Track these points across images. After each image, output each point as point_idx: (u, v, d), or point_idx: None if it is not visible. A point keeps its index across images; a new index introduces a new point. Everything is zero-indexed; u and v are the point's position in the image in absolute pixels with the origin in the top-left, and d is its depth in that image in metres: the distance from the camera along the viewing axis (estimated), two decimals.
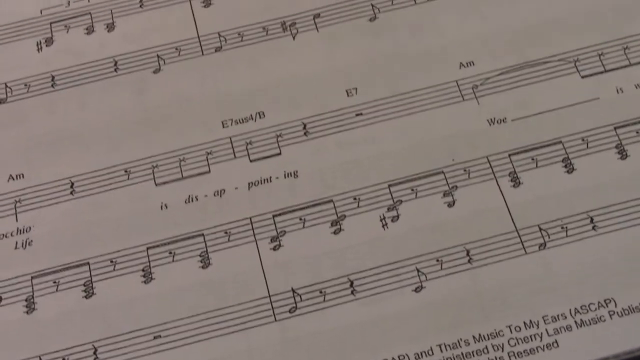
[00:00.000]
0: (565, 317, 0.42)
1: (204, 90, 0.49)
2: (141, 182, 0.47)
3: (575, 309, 0.42)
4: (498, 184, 0.45)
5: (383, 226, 0.45)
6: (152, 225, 0.45)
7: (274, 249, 0.45)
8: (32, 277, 0.45)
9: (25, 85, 0.50)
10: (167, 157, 0.47)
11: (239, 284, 0.44)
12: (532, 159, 0.46)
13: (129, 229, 0.45)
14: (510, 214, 0.45)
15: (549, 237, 0.44)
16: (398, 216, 0.45)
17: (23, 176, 0.47)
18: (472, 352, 0.41)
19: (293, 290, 0.43)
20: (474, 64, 0.49)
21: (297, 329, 0.42)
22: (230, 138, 0.48)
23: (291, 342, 0.42)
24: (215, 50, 0.51)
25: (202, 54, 0.51)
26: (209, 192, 0.46)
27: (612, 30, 0.49)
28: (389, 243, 0.44)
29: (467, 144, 0.47)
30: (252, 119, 0.48)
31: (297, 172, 0.47)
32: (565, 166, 0.46)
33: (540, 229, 0.44)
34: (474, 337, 0.42)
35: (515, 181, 0.45)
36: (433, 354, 0.41)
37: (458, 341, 0.42)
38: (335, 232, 0.45)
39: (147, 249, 0.45)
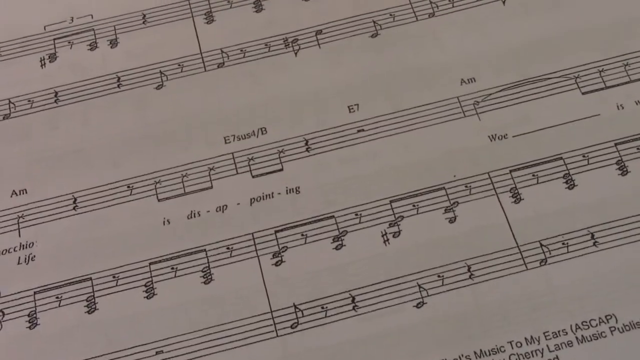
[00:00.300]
0: (566, 333, 0.42)
1: (206, 106, 0.50)
2: (144, 198, 0.47)
3: (576, 324, 0.42)
4: (499, 200, 0.45)
5: (384, 242, 0.45)
6: (155, 241, 0.46)
7: (276, 264, 0.45)
8: (34, 292, 0.45)
9: (29, 100, 0.51)
10: (170, 172, 0.48)
11: (241, 300, 0.44)
12: (533, 175, 0.46)
13: (132, 244, 0.46)
14: (511, 229, 0.45)
15: (549, 253, 0.44)
16: (399, 232, 0.45)
17: (26, 191, 0.48)
18: None
19: (295, 306, 0.44)
20: (475, 80, 0.49)
21: (298, 345, 0.43)
22: (233, 154, 0.48)
23: (293, 357, 0.42)
24: (218, 67, 0.51)
25: (205, 70, 0.51)
26: (211, 208, 0.46)
27: (612, 47, 0.50)
28: (391, 259, 0.44)
29: (468, 160, 0.47)
30: (254, 134, 0.49)
31: (299, 187, 0.47)
32: (566, 182, 0.46)
33: (541, 245, 0.44)
34: (475, 352, 0.42)
35: (516, 197, 0.45)
36: None
37: (459, 357, 0.42)
38: (336, 248, 0.45)
39: (150, 264, 0.45)
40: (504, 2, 0.52)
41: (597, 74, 0.49)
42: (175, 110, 0.50)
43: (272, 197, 0.47)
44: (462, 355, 0.42)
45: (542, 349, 0.42)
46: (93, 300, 0.44)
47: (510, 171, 0.46)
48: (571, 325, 0.42)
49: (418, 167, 0.47)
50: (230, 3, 0.53)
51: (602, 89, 0.49)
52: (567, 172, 0.46)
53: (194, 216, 0.46)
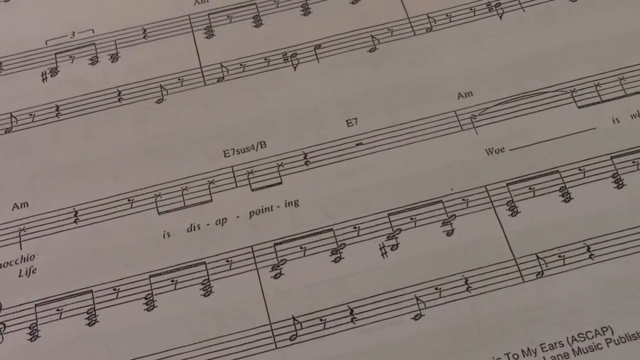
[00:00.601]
0: (563, 345, 0.42)
1: (206, 120, 0.50)
2: (144, 211, 0.47)
3: (573, 336, 0.42)
4: (496, 213, 0.46)
5: (383, 255, 0.45)
6: (155, 254, 0.46)
7: (275, 277, 0.45)
8: (35, 305, 0.45)
9: (30, 114, 0.51)
10: (170, 186, 0.48)
11: (240, 312, 0.44)
12: (530, 188, 0.46)
13: (132, 257, 0.46)
14: (508, 242, 0.45)
15: (546, 266, 0.44)
16: (397, 245, 0.45)
17: (27, 205, 0.48)
18: None
19: (294, 318, 0.44)
20: (472, 94, 0.50)
21: (297, 357, 0.43)
22: (232, 167, 0.48)
23: None
24: (218, 81, 0.51)
25: (205, 84, 0.51)
26: (211, 221, 0.47)
27: (608, 62, 0.50)
28: (389, 271, 0.45)
29: (465, 173, 0.47)
30: (254, 148, 0.49)
31: (297, 201, 0.47)
32: (563, 195, 0.46)
33: (538, 258, 0.44)
34: None
35: (513, 210, 0.46)
36: None
37: None
38: (335, 261, 0.45)
39: (150, 277, 0.45)
40: (500, 17, 0.52)
41: (593, 88, 0.49)
42: (175, 124, 0.50)
43: (272, 210, 0.47)
44: None
45: None
46: (94, 313, 0.44)
47: (507, 184, 0.47)
48: (567, 337, 0.42)
49: (416, 181, 0.47)
50: (230, 18, 0.54)
51: (598, 102, 0.49)
52: (563, 185, 0.46)
53: (194, 229, 0.47)
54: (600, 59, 0.50)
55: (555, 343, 0.42)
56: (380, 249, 0.45)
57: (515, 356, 0.42)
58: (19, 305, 0.45)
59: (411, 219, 0.46)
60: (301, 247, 0.46)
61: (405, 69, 0.51)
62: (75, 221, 0.47)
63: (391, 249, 0.45)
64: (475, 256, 0.45)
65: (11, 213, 0.48)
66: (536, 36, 0.51)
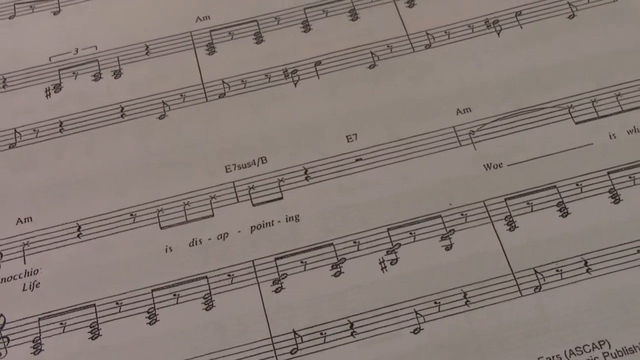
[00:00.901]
0: (560, 359, 0.42)
1: (208, 135, 0.50)
2: (146, 226, 0.48)
3: (570, 350, 0.43)
4: (494, 228, 0.46)
5: (382, 269, 0.45)
6: (157, 268, 0.46)
7: (276, 291, 0.45)
8: (39, 319, 0.45)
9: (34, 130, 0.51)
10: (172, 201, 0.48)
11: (242, 326, 0.44)
12: (528, 203, 0.47)
13: (135, 271, 0.46)
14: (506, 257, 0.45)
15: (544, 280, 0.44)
16: (397, 259, 0.46)
17: (31, 219, 0.48)
18: None
19: (294, 332, 0.44)
20: (470, 110, 0.50)
21: None
22: (234, 182, 0.49)
23: None
24: (219, 97, 0.52)
25: (206, 100, 0.52)
26: (213, 236, 0.47)
27: (605, 78, 0.50)
28: (388, 285, 0.45)
29: (464, 188, 0.47)
30: (255, 164, 0.49)
31: (298, 216, 0.47)
32: (560, 210, 0.46)
33: (536, 272, 0.45)
34: None
35: (511, 225, 0.46)
36: None
37: None
38: (335, 275, 0.45)
39: (152, 291, 0.46)
40: (498, 34, 0.53)
41: (590, 104, 0.50)
42: (177, 139, 0.50)
43: (272, 225, 0.47)
44: None
45: None
46: (97, 327, 0.45)
47: (505, 199, 0.47)
48: (565, 351, 0.43)
49: (415, 196, 0.47)
50: (232, 35, 0.54)
51: (594, 118, 0.49)
52: (560, 200, 0.47)
53: (196, 244, 0.47)
54: (597, 75, 0.51)
55: (552, 357, 0.42)
56: (380, 263, 0.46)
57: None
58: (23, 319, 0.45)
59: (410, 233, 0.46)
60: (302, 262, 0.46)
61: (405, 85, 0.51)
62: (78, 236, 0.47)
63: (391, 264, 0.46)
64: (473, 271, 0.45)
65: (15, 227, 0.48)
66: (534, 53, 0.52)
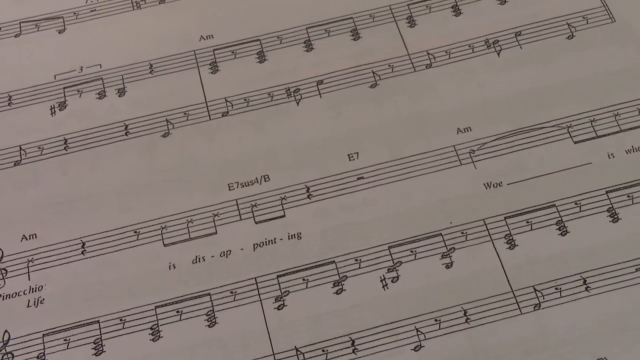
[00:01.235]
0: None
1: (211, 153, 0.51)
2: (150, 243, 0.48)
3: None
4: (494, 246, 0.46)
5: (383, 286, 0.46)
6: (161, 285, 0.46)
7: (278, 308, 0.46)
8: (43, 335, 0.45)
9: (39, 147, 0.52)
10: (175, 218, 0.49)
11: (244, 342, 0.45)
12: (527, 222, 0.47)
13: (138, 288, 0.46)
14: (506, 275, 0.46)
15: (543, 298, 0.45)
16: (398, 277, 0.46)
17: (36, 236, 0.48)
18: None
19: (296, 349, 0.44)
20: (471, 130, 0.50)
21: None
22: (236, 200, 0.49)
23: None
24: (222, 115, 0.52)
25: (210, 118, 0.52)
26: (216, 253, 0.47)
27: (603, 98, 0.51)
28: (389, 303, 0.45)
29: (464, 207, 0.48)
30: (257, 182, 0.50)
31: (300, 233, 0.48)
32: (559, 229, 0.47)
33: (535, 290, 0.45)
34: None
35: (511, 243, 0.47)
36: None
37: None
38: (337, 292, 0.46)
39: (156, 307, 0.46)
40: (498, 54, 0.53)
41: (588, 123, 0.50)
42: (181, 157, 0.51)
43: (275, 242, 0.48)
44: None
45: None
46: (100, 343, 0.45)
47: (505, 218, 0.47)
48: None
49: (416, 214, 0.48)
50: (235, 54, 0.55)
51: (593, 138, 0.50)
52: (560, 219, 0.47)
53: (199, 261, 0.47)
54: (595, 95, 0.51)
55: None
56: (381, 280, 0.46)
57: None
58: (27, 335, 0.45)
59: (411, 251, 0.47)
60: (304, 279, 0.46)
61: (406, 105, 0.52)
62: (82, 252, 0.48)
63: (392, 281, 0.46)
64: (473, 288, 0.45)
65: (20, 244, 0.48)
66: (533, 73, 0.52)
